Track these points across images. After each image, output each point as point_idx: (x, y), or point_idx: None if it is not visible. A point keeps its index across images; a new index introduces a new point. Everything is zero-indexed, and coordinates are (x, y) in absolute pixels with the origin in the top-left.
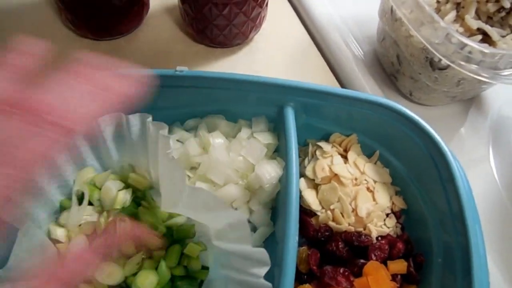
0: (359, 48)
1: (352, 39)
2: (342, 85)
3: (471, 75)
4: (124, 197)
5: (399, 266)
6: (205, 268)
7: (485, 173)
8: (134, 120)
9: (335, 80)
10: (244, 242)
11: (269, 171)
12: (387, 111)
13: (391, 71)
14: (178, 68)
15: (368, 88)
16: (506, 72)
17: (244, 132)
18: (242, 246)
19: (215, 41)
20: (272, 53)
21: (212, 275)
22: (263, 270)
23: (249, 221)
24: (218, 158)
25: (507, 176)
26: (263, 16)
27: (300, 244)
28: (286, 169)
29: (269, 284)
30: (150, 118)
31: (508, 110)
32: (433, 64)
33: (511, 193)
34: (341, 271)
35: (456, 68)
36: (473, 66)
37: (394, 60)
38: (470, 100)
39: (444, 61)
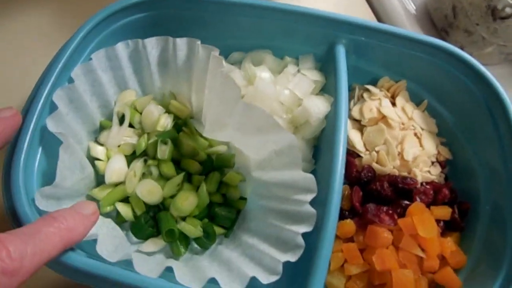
0: (411, 2)
1: None
2: None
3: None
4: (165, 121)
5: (444, 211)
6: (244, 198)
7: None
8: (182, 44)
9: None
10: (293, 168)
11: (318, 105)
12: (443, 54)
13: (443, 26)
14: None
15: None
16: None
17: (291, 68)
18: (289, 172)
19: None
20: (320, 3)
21: (250, 205)
22: (309, 197)
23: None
24: (264, 90)
25: None
26: None
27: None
28: (335, 105)
29: (314, 211)
30: (199, 42)
31: None
32: (495, 13)
33: None
34: (385, 209)
35: None
36: None
37: (448, 13)
38: None
39: (507, 10)
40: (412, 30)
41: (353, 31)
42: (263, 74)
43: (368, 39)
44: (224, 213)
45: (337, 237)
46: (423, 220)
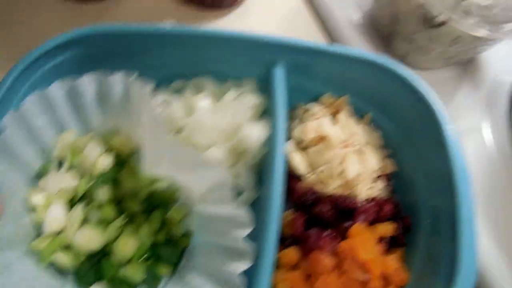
0: (354, 12)
1: (348, 2)
2: None
3: (468, 31)
4: (104, 161)
5: (387, 228)
6: (188, 234)
7: (479, 139)
8: (117, 79)
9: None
10: (225, 203)
11: (255, 132)
12: (381, 69)
13: (386, 33)
14: (166, 22)
15: None
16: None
17: (231, 93)
18: (224, 207)
19: (204, 2)
20: (266, 14)
21: (196, 241)
22: (244, 232)
23: (234, 185)
24: (203, 120)
25: (500, 141)
26: None
27: (287, 209)
28: (273, 130)
29: (249, 247)
30: (133, 77)
31: (504, 75)
32: (428, 21)
33: (503, 159)
34: (326, 234)
35: (452, 24)
36: (470, 21)
37: (389, 21)
38: (466, 64)
39: (440, 17)
40: (358, 39)
41: (290, 52)
42: (203, 102)
43: (307, 58)
44: (169, 252)
45: (281, 266)
46: (363, 242)
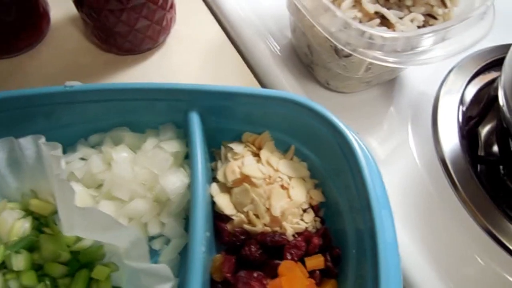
0: (276, 43)
1: (268, 34)
2: (260, 81)
3: (375, 61)
4: (21, 227)
5: (316, 261)
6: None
7: (406, 153)
8: (27, 143)
9: (253, 77)
10: (143, 260)
11: (173, 181)
12: (293, 104)
13: (307, 62)
14: (67, 83)
15: (285, 82)
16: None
17: (150, 143)
18: (145, 264)
19: (123, 48)
20: (187, 54)
21: None
22: (167, 286)
23: (162, 235)
24: (121, 173)
25: (425, 154)
26: (171, 18)
27: (218, 252)
28: (191, 175)
29: None
30: (42, 139)
31: (426, 87)
32: (338, 52)
33: (429, 171)
34: (255, 275)
35: (359, 55)
36: (376, 52)
37: (306, 51)
38: (389, 82)
39: (346, 50)
40: (281, 70)
41: (202, 97)
42: (120, 155)
43: (221, 101)
44: None
45: None
46: (290, 280)
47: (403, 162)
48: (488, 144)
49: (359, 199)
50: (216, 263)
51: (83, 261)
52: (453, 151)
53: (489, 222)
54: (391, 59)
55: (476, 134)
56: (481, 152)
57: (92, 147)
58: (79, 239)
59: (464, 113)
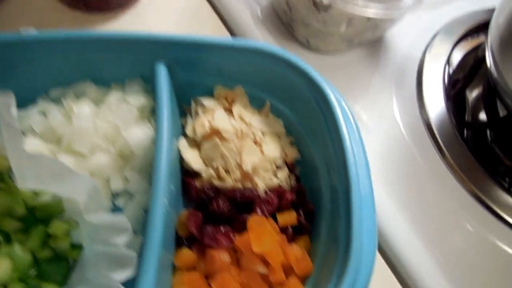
0: (255, 3)
1: None
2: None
3: (354, 12)
4: None
5: (288, 217)
6: (77, 246)
7: (390, 117)
8: None
9: (229, 35)
10: (102, 211)
11: (137, 133)
12: (266, 56)
13: (286, 21)
14: (23, 29)
15: (263, 40)
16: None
17: (114, 96)
18: (103, 215)
19: (90, 5)
20: (161, 12)
21: (88, 253)
22: (124, 238)
23: (126, 192)
24: (82, 125)
25: (409, 118)
26: None
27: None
28: (156, 127)
29: (133, 254)
30: None
31: (411, 50)
32: (317, 5)
33: (413, 136)
34: (222, 230)
35: (339, 7)
36: (356, 2)
37: (285, 8)
38: (373, 45)
39: (324, 1)
40: (260, 30)
41: (170, 48)
42: (83, 108)
43: (192, 53)
44: (53, 269)
45: (178, 268)
46: (259, 234)
47: (386, 126)
48: (475, 111)
49: (335, 156)
50: (182, 219)
51: (40, 217)
52: (438, 115)
53: (478, 188)
54: (371, 10)
55: (463, 98)
56: (468, 118)
57: (54, 102)
58: (37, 194)
59: (450, 76)
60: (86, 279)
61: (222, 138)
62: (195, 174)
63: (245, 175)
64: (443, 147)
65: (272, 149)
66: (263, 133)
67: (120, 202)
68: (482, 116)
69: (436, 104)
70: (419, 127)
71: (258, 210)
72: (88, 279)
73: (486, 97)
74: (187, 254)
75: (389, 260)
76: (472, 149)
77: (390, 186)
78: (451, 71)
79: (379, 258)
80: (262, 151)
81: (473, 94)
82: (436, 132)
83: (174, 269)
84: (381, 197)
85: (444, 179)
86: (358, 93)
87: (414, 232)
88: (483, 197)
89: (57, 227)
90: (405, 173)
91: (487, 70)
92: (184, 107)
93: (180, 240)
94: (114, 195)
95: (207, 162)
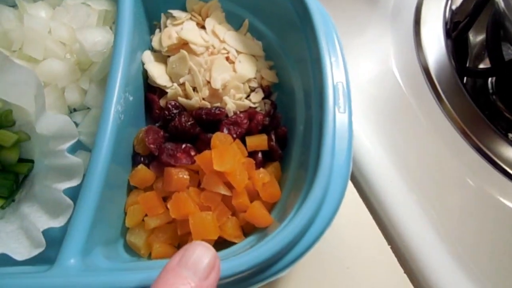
0: None
1: None
2: None
3: None
4: None
5: (259, 140)
6: (26, 161)
7: (383, 57)
8: None
9: None
10: (43, 111)
11: (94, 36)
12: None
13: None
14: None
15: None
16: None
17: None
18: (49, 117)
19: None
20: None
21: (38, 167)
22: (68, 144)
23: (84, 107)
24: (34, 26)
25: (403, 60)
26: None
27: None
28: (115, 32)
29: (77, 160)
30: None
31: None
32: None
33: (409, 80)
34: (183, 147)
35: None
36: None
37: None
38: None
39: None
40: None
41: None
42: (34, 9)
43: None
44: None
45: (134, 188)
46: (222, 153)
47: (378, 68)
48: (477, 57)
49: (313, 83)
50: (140, 135)
51: None
52: (437, 58)
53: (480, 140)
54: None
55: (465, 42)
56: (470, 65)
57: (5, 3)
58: None
59: (451, 15)
60: (33, 195)
61: (190, 51)
62: (161, 92)
63: (214, 95)
64: (442, 95)
65: (246, 69)
66: (237, 52)
67: (77, 118)
68: (484, 66)
69: (435, 46)
70: (415, 71)
71: (225, 130)
72: (35, 194)
73: (490, 39)
74: (143, 172)
75: (379, 216)
76: (475, 98)
77: (381, 136)
78: (453, 7)
79: (367, 213)
80: (235, 70)
81: (476, 39)
82: (434, 77)
83: (131, 189)
84: (373, 146)
85: (442, 130)
86: (349, 27)
87: (408, 187)
88: (486, 151)
89: (4, 136)
90: (398, 122)
91: (493, 3)
92: (155, 24)
93: (138, 159)
94: (71, 111)
95: (173, 78)
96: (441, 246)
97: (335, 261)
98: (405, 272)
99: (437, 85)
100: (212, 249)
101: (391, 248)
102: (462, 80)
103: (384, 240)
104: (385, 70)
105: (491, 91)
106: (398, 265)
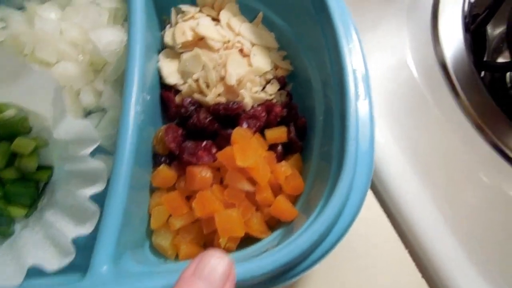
0: None
1: None
2: None
3: None
4: None
5: (278, 132)
6: (46, 167)
7: (399, 51)
8: None
9: None
10: (65, 116)
11: (106, 35)
12: None
13: None
14: None
15: None
16: None
17: None
18: (68, 122)
19: None
20: None
21: (58, 174)
22: (90, 148)
23: (100, 108)
24: (45, 29)
25: (420, 54)
26: None
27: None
28: (129, 31)
29: (101, 165)
30: None
31: None
32: None
33: (423, 72)
34: (203, 144)
35: None
36: None
37: None
38: None
39: None
40: None
41: None
42: (45, 11)
43: None
44: (20, 190)
45: (157, 189)
46: (244, 148)
47: (395, 62)
48: (495, 51)
49: (332, 75)
50: (160, 135)
51: (5, 133)
52: (455, 52)
53: (498, 137)
54: None
55: (483, 35)
56: (487, 58)
57: (15, 8)
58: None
59: (470, 8)
60: (56, 203)
61: (207, 46)
62: (176, 90)
63: (230, 90)
64: (459, 89)
65: (261, 61)
66: (252, 44)
67: (94, 121)
68: (503, 60)
69: (453, 40)
70: (432, 65)
71: (245, 124)
72: (57, 201)
73: (511, 33)
74: (165, 172)
75: (391, 213)
76: (492, 93)
77: (395, 131)
78: (472, 0)
79: (378, 207)
80: (250, 64)
81: (495, 32)
82: (451, 71)
83: (153, 190)
84: (387, 142)
85: (458, 125)
86: (365, 20)
87: (422, 183)
88: (503, 147)
89: (21, 144)
90: (413, 117)
91: None
92: (165, 19)
93: (159, 159)
94: (87, 115)
95: (186, 76)
96: (453, 241)
97: (350, 260)
98: (413, 260)
99: (453, 80)
100: (227, 258)
101: (403, 243)
102: (479, 74)
103: (397, 236)
104: (401, 64)
105: (509, 85)
106: (409, 257)
